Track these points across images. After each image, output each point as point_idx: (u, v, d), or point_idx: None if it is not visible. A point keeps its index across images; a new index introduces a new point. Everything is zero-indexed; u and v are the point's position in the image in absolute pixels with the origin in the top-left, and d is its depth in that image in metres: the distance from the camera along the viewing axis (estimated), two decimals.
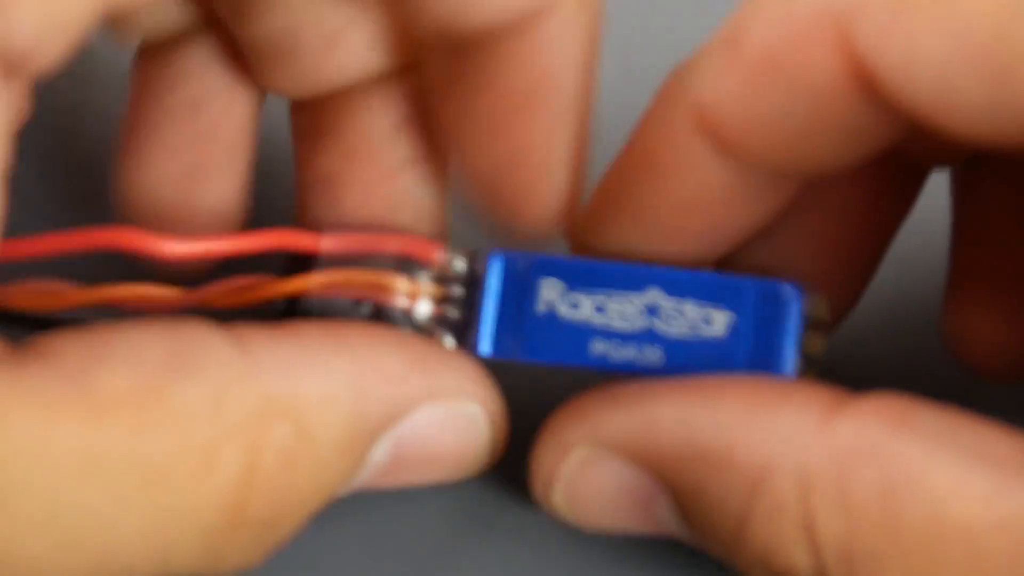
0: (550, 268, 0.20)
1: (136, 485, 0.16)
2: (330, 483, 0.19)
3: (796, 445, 0.18)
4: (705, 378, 0.19)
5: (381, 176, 0.22)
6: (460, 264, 0.20)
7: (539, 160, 0.20)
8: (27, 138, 0.18)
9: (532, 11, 0.19)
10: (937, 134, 0.17)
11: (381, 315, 0.20)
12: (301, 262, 0.21)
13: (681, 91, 0.18)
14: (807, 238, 0.21)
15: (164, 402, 0.17)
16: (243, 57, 0.22)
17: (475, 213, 0.21)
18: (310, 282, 0.20)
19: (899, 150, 0.20)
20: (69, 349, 0.17)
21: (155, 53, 0.23)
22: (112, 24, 0.22)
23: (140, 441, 0.16)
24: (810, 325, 0.20)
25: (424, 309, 0.20)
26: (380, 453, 0.19)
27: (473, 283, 0.20)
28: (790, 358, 0.19)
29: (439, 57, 0.21)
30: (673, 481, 0.19)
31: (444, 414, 0.19)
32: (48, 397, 0.16)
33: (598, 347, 0.20)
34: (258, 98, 0.23)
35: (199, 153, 0.22)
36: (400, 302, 0.20)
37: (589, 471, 0.19)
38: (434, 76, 0.21)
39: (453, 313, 0.20)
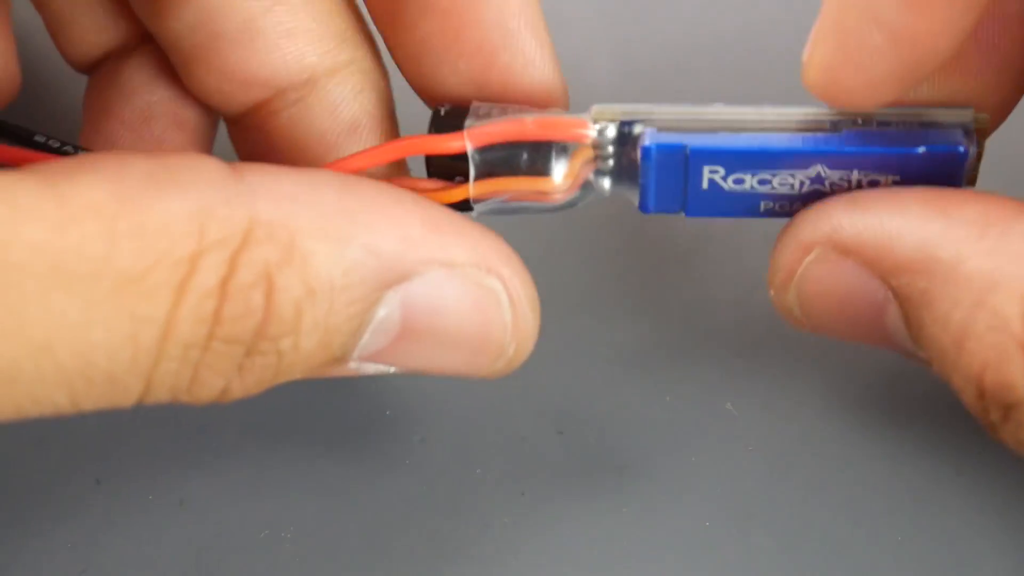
0: (710, 157, 0.20)
1: (107, 291, 0.16)
2: (324, 321, 0.18)
3: None
4: (943, 191, 0.19)
5: None
6: (611, 131, 0.20)
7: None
8: None
9: None
10: None
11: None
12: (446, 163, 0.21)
13: None
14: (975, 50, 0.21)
15: (142, 213, 0.16)
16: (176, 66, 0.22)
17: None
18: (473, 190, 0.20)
19: None
20: (55, 164, 0.17)
21: (104, 71, 0.24)
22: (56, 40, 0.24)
23: (113, 249, 0.16)
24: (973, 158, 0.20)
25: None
26: (388, 313, 0.18)
27: (623, 140, 0.20)
28: None
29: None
30: (901, 288, 0.19)
31: (461, 282, 0.19)
32: (18, 200, 0.16)
33: (766, 206, 0.20)
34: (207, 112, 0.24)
35: None
36: (558, 198, 0.20)
37: (824, 270, 0.19)
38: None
39: (606, 166, 0.20)
